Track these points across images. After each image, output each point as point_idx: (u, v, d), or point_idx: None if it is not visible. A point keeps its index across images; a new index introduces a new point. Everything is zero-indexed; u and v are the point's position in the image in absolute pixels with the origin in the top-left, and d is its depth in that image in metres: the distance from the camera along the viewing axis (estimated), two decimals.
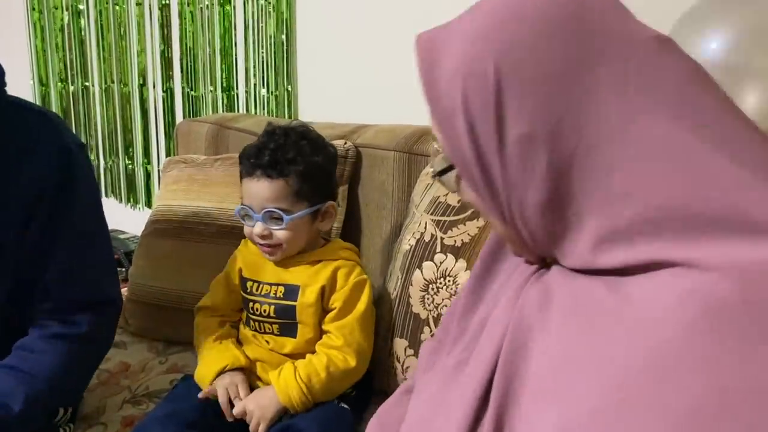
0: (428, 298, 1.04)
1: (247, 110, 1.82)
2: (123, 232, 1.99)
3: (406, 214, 1.30)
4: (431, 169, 0.63)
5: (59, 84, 2.16)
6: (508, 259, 0.68)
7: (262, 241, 1.06)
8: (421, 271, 1.06)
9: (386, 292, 1.16)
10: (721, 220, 0.45)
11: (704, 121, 0.48)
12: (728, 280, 0.43)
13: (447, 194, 1.11)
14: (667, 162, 0.47)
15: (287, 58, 1.72)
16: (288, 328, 1.07)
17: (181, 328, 1.31)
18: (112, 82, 2.06)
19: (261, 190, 1.03)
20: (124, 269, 1.79)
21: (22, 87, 2.21)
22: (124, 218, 2.10)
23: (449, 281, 1.02)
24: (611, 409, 0.44)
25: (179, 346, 1.34)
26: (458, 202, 1.08)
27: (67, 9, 2.07)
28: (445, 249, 1.05)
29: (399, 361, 1.07)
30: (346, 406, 1.04)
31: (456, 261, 1.03)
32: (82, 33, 2.07)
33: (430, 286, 1.04)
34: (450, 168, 0.59)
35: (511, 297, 0.60)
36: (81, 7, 2.05)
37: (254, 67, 1.78)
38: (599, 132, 0.49)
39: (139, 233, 1.98)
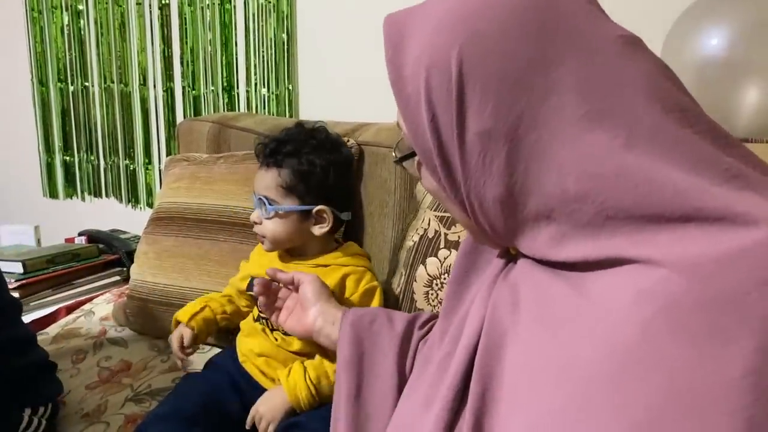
0: (432, 294, 1.04)
1: (248, 110, 1.82)
2: (124, 232, 1.99)
3: (409, 211, 1.30)
4: (393, 154, 0.63)
5: (59, 84, 2.15)
6: (488, 252, 0.68)
7: (254, 228, 1.09)
8: (425, 267, 1.06)
9: (391, 289, 1.16)
10: (675, 218, 0.45)
11: (662, 125, 0.48)
12: (682, 277, 0.42)
13: None
14: (621, 168, 0.47)
15: (288, 57, 1.73)
16: None
17: None
18: (112, 81, 2.05)
19: (259, 178, 1.07)
20: (125, 269, 1.79)
21: (21, 87, 2.21)
22: (124, 218, 2.10)
23: None
24: (573, 409, 0.44)
25: None
26: None
27: (66, 9, 2.07)
28: (449, 245, 1.05)
29: None
30: None
31: None
32: (82, 33, 2.07)
33: (434, 281, 1.04)
34: (412, 154, 0.60)
35: (484, 296, 0.61)
36: (80, 7, 2.05)
37: (255, 66, 1.78)
38: (556, 133, 0.49)
39: (140, 233, 2.00)
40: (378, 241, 1.35)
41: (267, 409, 0.99)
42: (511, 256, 0.62)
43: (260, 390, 1.06)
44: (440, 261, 1.05)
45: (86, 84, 2.11)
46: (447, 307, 0.72)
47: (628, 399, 0.42)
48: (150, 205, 2.08)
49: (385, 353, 0.85)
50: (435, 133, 0.53)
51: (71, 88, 2.14)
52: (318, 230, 1.07)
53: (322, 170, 1.06)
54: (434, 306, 1.04)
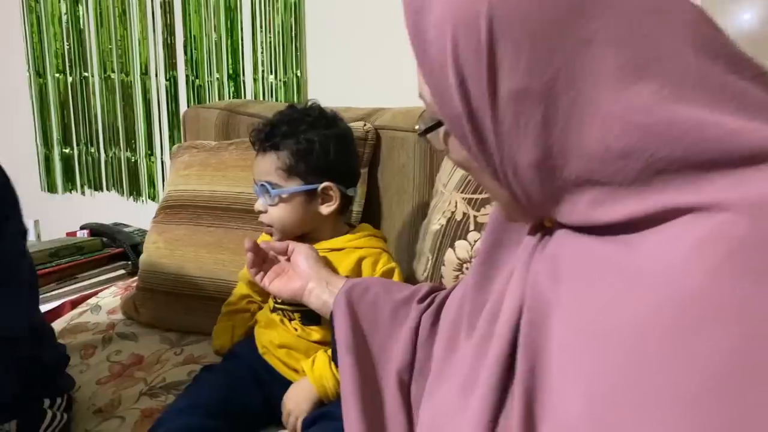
0: (462, 278, 1.00)
1: (255, 98, 1.78)
2: (126, 225, 1.94)
3: (430, 196, 1.26)
4: (417, 127, 0.59)
5: (57, 75, 2.10)
6: (516, 229, 0.65)
7: (260, 218, 1.04)
8: (454, 251, 1.02)
9: (414, 275, 1.12)
10: (730, 161, 0.43)
11: (709, 72, 0.45)
12: (745, 219, 0.40)
13: None
14: (670, 117, 0.44)
15: (296, 42, 1.68)
16: (311, 316, 1.02)
17: (196, 316, 1.27)
18: (113, 71, 2.00)
19: (257, 164, 1.03)
20: (130, 262, 1.74)
21: (17, 79, 2.15)
22: (126, 212, 2.04)
23: None
24: (635, 372, 0.42)
25: (194, 336, 1.29)
26: None
27: None
28: (479, 227, 1.01)
29: None
30: None
31: None
32: (81, 21, 2.01)
33: (465, 265, 1.00)
34: (438, 124, 0.56)
35: (521, 272, 0.58)
36: None
37: (262, 53, 1.74)
38: (597, 87, 0.46)
39: (142, 226, 1.95)
40: (397, 228, 1.31)
41: (294, 403, 0.95)
42: (545, 229, 0.58)
43: (282, 381, 1.02)
44: (470, 244, 1.01)
45: (85, 74, 2.06)
46: (475, 287, 0.67)
47: (701, 354, 0.39)
48: (152, 197, 2.03)
49: (384, 323, 0.83)
50: (464, 98, 0.49)
51: (70, 79, 2.08)
52: (326, 209, 1.02)
53: (321, 146, 1.01)
54: None
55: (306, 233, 1.06)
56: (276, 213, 1.02)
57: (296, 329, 1.03)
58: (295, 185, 1.00)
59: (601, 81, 0.46)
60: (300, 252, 0.95)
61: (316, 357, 0.98)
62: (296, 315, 1.02)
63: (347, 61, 1.65)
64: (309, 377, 0.95)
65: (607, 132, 0.46)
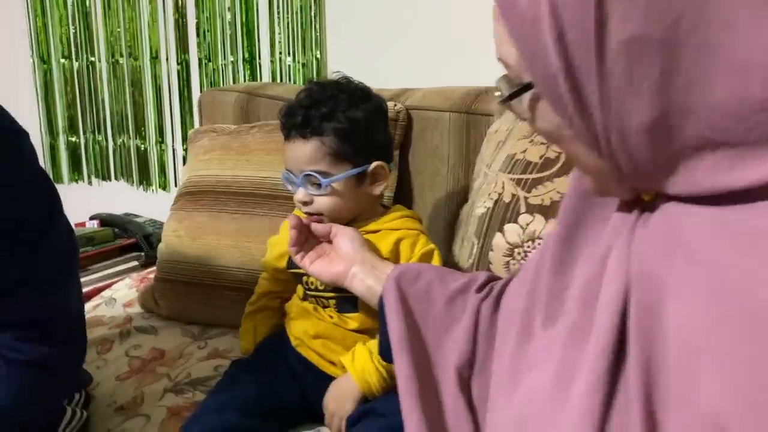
0: (514, 264, 0.93)
1: (273, 81, 1.70)
2: (137, 216, 1.86)
3: (466, 178, 1.20)
4: (497, 94, 0.51)
5: (62, 61, 2.02)
6: (600, 204, 0.58)
7: (304, 209, 0.95)
8: (503, 235, 0.95)
9: (456, 262, 1.05)
10: None
11: None
12: None
13: (525, 151, 1.00)
14: None
15: (316, 22, 1.61)
16: (347, 303, 0.95)
17: (219, 308, 1.21)
18: (121, 56, 1.92)
19: (297, 152, 0.93)
20: (143, 253, 1.67)
21: (20, 66, 2.07)
22: (136, 202, 1.97)
23: (539, 243, 0.91)
24: None
25: (218, 328, 1.22)
26: (540, 158, 0.97)
27: None
28: (531, 209, 0.94)
29: None
30: None
31: (546, 221, 0.92)
32: (87, 4, 1.93)
33: (516, 250, 0.94)
34: (524, 88, 0.49)
35: (622, 251, 0.51)
36: None
37: (279, 33, 1.66)
38: (731, 29, 0.40)
39: (154, 217, 1.87)
40: (430, 213, 1.24)
41: (336, 404, 0.89)
42: (643, 203, 0.52)
43: (320, 375, 0.95)
44: (522, 227, 0.94)
45: (92, 59, 1.98)
46: (551, 271, 0.61)
47: None
48: (163, 187, 1.95)
49: (438, 314, 0.77)
50: (562, 53, 0.43)
51: (76, 65, 2.01)
52: (378, 189, 0.95)
53: (365, 124, 0.94)
54: None
55: (357, 217, 0.99)
56: (326, 202, 0.93)
57: (331, 317, 0.96)
58: (346, 170, 0.92)
59: (734, 21, 0.39)
60: (344, 234, 0.88)
61: (356, 351, 0.91)
62: (331, 302, 0.95)
63: (370, 42, 1.57)
64: (351, 373, 0.88)
65: (743, 82, 0.40)
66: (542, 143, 0.99)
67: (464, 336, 0.74)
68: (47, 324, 0.84)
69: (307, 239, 0.89)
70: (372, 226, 0.97)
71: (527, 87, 0.48)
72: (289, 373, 0.97)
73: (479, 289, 0.78)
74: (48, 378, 0.85)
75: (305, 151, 0.92)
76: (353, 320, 0.95)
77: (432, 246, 0.96)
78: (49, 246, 0.83)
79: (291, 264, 0.99)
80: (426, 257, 0.94)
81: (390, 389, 0.88)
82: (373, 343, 0.91)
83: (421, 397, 0.70)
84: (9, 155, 0.78)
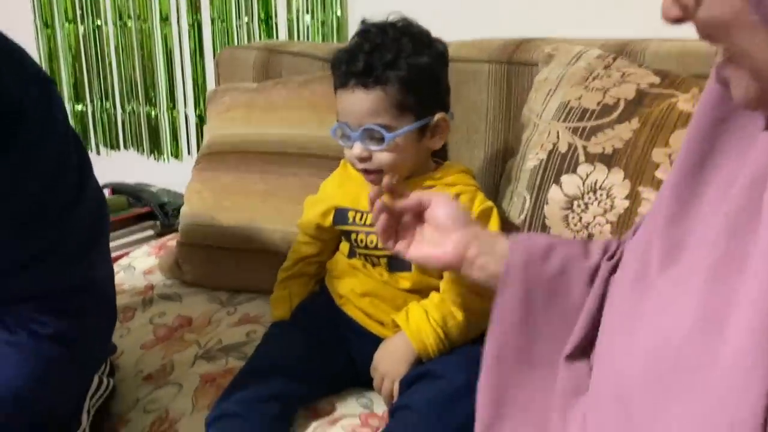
0: (573, 217, 0.87)
1: (290, 40, 1.62)
2: (149, 185, 1.79)
3: (509, 133, 1.13)
4: None
5: (67, 25, 1.93)
6: (741, 129, 0.51)
7: (360, 165, 0.88)
8: (561, 187, 0.89)
9: (507, 217, 0.98)
10: None
11: None
12: None
13: (580, 97, 0.94)
14: None
15: None
16: (401, 262, 0.88)
17: (249, 272, 1.15)
18: (129, 18, 1.84)
19: (356, 103, 0.85)
20: (158, 222, 1.60)
21: (22, 31, 1.98)
22: (147, 172, 1.90)
23: (601, 195, 0.85)
24: None
25: (247, 294, 1.16)
26: (598, 104, 0.91)
27: None
28: (591, 158, 0.88)
29: None
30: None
31: (609, 171, 0.86)
32: None
33: (575, 202, 0.87)
34: None
35: None
36: None
37: None
38: None
39: (167, 186, 1.81)
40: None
41: (388, 365, 0.83)
42: None
43: (367, 336, 0.90)
44: (582, 178, 0.87)
45: (98, 23, 1.89)
46: (676, 207, 0.54)
47: None
48: (176, 155, 1.88)
49: (569, 292, 0.66)
50: None
51: (81, 29, 1.92)
52: (439, 142, 0.90)
53: (429, 72, 0.87)
54: (577, 230, 0.87)
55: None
56: (386, 158, 0.86)
57: (381, 275, 0.90)
58: (408, 123, 0.85)
59: None
60: (439, 203, 0.73)
61: (410, 309, 0.85)
62: (382, 260, 0.89)
63: None
64: (406, 332, 0.83)
65: None
66: (598, 89, 0.93)
67: (589, 314, 0.64)
68: (72, 295, 0.78)
69: (397, 223, 0.75)
70: (427, 182, 0.91)
71: None
72: (334, 333, 0.91)
73: (612, 256, 0.67)
74: (75, 353, 0.79)
75: (367, 102, 0.85)
76: (406, 279, 0.89)
77: (490, 203, 0.90)
78: (79, 209, 0.76)
79: (337, 219, 0.93)
80: (484, 215, 0.88)
81: (446, 353, 0.83)
82: (428, 303, 0.85)
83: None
84: (38, 100, 0.71)
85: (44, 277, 0.74)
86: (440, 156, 1.06)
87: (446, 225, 0.72)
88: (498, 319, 0.66)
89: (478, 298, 0.84)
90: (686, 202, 0.53)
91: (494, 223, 0.89)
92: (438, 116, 0.88)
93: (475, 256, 0.69)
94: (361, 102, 0.85)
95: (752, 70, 0.43)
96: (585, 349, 0.63)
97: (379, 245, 0.87)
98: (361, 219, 0.91)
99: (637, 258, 0.58)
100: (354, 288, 0.91)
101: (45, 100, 0.71)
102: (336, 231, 0.94)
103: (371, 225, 0.88)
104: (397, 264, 0.88)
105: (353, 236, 0.91)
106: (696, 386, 0.44)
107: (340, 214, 0.93)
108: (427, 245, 0.73)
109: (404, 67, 0.85)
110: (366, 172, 0.88)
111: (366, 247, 0.90)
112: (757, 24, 0.40)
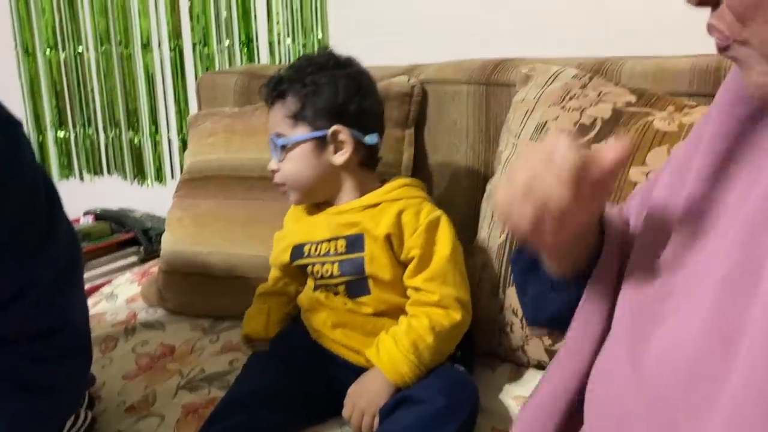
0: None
1: (272, 64, 1.63)
2: (132, 211, 1.78)
3: (488, 153, 1.13)
4: None
5: (48, 51, 1.93)
6: (763, 129, 0.49)
7: (274, 179, 0.94)
8: None
9: (485, 240, 0.98)
10: None
11: None
12: None
13: (557, 117, 0.94)
14: None
15: (316, 1, 1.53)
16: (358, 286, 0.89)
17: (230, 299, 1.14)
18: (110, 44, 1.84)
19: (268, 119, 0.95)
20: (141, 248, 1.59)
21: (3, 57, 1.98)
22: (130, 197, 1.89)
23: None
24: None
25: (230, 321, 1.15)
26: (575, 124, 0.91)
27: None
28: None
29: (517, 315, 0.90)
30: (461, 367, 0.86)
31: None
32: None
33: None
34: None
35: None
36: None
37: (278, 13, 1.58)
38: None
39: (150, 211, 1.80)
40: (451, 190, 1.17)
41: (367, 400, 0.82)
42: None
43: (347, 366, 0.89)
44: None
45: (80, 49, 1.89)
46: (695, 206, 0.52)
47: None
48: (159, 179, 1.87)
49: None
50: None
51: (62, 55, 1.92)
52: (340, 158, 0.90)
53: (328, 87, 0.90)
54: None
55: (328, 192, 0.94)
56: (286, 168, 0.91)
57: (345, 303, 0.90)
58: (301, 133, 0.89)
59: None
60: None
61: (379, 342, 0.85)
62: (341, 288, 0.90)
63: (373, 20, 1.50)
64: (378, 365, 0.82)
65: None
66: (575, 109, 0.93)
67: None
68: (47, 338, 0.75)
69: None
70: (370, 200, 0.92)
71: None
72: (314, 363, 0.90)
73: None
74: (52, 400, 0.77)
75: (272, 115, 0.93)
76: (366, 304, 0.90)
77: (438, 213, 0.91)
78: (49, 252, 0.74)
79: (294, 255, 0.93)
80: (433, 225, 0.89)
81: (423, 376, 0.83)
82: (396, 330, 0.85)
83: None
84: (2, 147, 0.69)
85: (16, 320, 0.72)
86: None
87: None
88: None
89: (444, 315, 0.85)
90: (706, 202, 0.51)
91: (444, 232, 0.89)
92: (332, 129, 0.89)
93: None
94: (269, 117, 0.94)
95: None
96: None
97: (335, 273, 0.88)
98: (315, 250, 0.92)
99: (647, 260, 0.55)
100: (325, 321, 0.91)
101: (10, 145, 0.70)
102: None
103: (325, 254, 0.89)
104: (354, 289, 0.89)
105: (310, 269, 0.92)
106: (706, 405, 0.42)
107: (297, 250, 0.94)
108: None
109: (304, 82, 0.90)
110: (278, 186, 0.94)
111: (322, 276, 0.90)
112: None
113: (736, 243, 0.45)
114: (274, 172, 0.93)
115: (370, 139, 0.92)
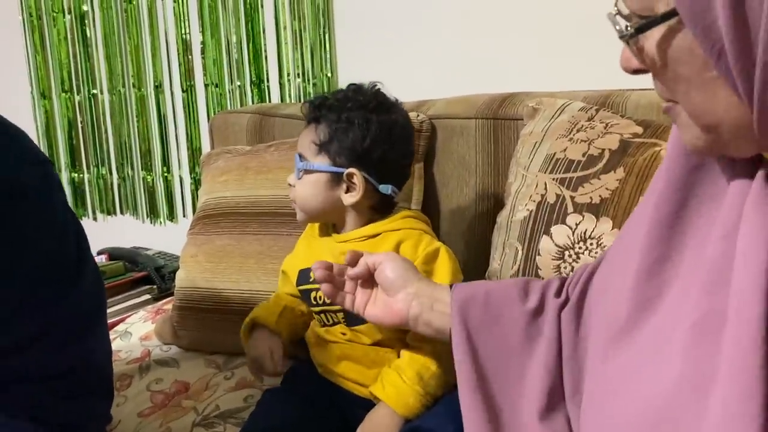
0: (565, 267, 0.88)
1: (282, 103, 1.66)
2: (146, 249, 1.80)
3: (497, 186, 1.15)
4: (618, 28, 0.45)
5: (63, 95, 1.98)
6: (712, 180, 0.52)
7: (290, 193, 0.97)
8: (551, 238, 0.90)
9: (497, 271, 0.99)
10: None
11: None
12: None
13: (565, 149, 0.96)
14: None
15: (325, 40, 1.57)
16: (355, 315, 0.89)
17: None
18: (124, 86, 1.88)
19: (301, 136, 0.96)
20: (155, 286, 1.60)
21: (20, 101, 2.03)
22: (143, 236, 1.91)
23: (591, 244, 0.86)
24: None
25: (244, 357, 1.13)
26: (583, 155, 0.93)
27: (69, 12, 1.90)
28: (579, 208, 0.89)
29: None
30: None
31: (597, 220, 0.87)
32: (87, 36, 1.90)
33: (567, 252, 0.88)
34: (661, 19, 0.42)
35: (755, 224, 0.44)
36: (85, 8, 1.88)
37: (287, 54, 1.62)
38: None
39: (163, 249, 1.81)
40: (462, 223, 1.19)
41: None
42: (764, 168, 0.46)
43: (356, 399, 0.89)
44: (571, 228, 0.88)
45: (94, 92, 1.94)
46: (654, 256, 0.54)
47: None
48: (171, 218, 1.89)
49: (516, 348, 0.68)
50: None
51: (77, 98, 1.96)
52: (348, 199, 0.90)
53: (360, 128, 0.89)
54: None
55: (334, 220, 0.96)
56: (300, 189, 0.93)
57: (344, 333, 0.91)
58: (320, 163, 0.91)
59: None
60: (384, 263, 0.76)
61: (383, 376, 0.85)
62: (339, 315, 0.90)
63: (382, 58, 1.53)
64: (385, 400, 0.82)
65: None
66: (583, 141, 0.95)
67: (545, 367, 0.66)
68: (68, 377, 0.76)
69: (342, 285, 0.79)
70: (370, 231, 0.93)
71: (666, 17, 0.42)
72: (327, 397, 0.90)
73: (558, 293, 0.70)
74: None
75: (304, 134, 0.94)
76: (365, 334, 0.90)
77: (437, 245, 0.91)
78: (75, 293, 0.75)
79: (300, 280, 0.95)
80: (430, 257, 0.89)
81: (431, 406, 0.83)
82: (400, 363, 0.85)
83: None
84: (38, 187, 0.70)
85: (39, 358, 0.73)
86: (428, 214, 1.08)
87: (395, 285, 0.75)
88: (460, 380, 0.67)
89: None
90: (662, 254, 0.53)
91: (443, 262, 0.89)
92: (348, 170, 0.89)
93: (418, 314, 0.73)
94: (303, 135, 0.95)
95: (706, 121, 0.44)
96: (556, 403, 0.63)
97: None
98: None
99: (608, 312, 0.57)
100: (330, 356, 0.91)
101: (47, 185, 0.72)
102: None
103: None
104: (352, 318, 0.88)
105: (312, 294, 0.92)
106: None
107: (303, 275, 0.95)
108: (379, 306, 0.76)
109: (339, 117, 0.90)
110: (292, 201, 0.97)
111: (323, 303, 0.91)
112: (716, 80, 0.41)
113: (701, 290, 0.46)
114: (290, 185, 0.96)
115: (384, 188, 0.92)
